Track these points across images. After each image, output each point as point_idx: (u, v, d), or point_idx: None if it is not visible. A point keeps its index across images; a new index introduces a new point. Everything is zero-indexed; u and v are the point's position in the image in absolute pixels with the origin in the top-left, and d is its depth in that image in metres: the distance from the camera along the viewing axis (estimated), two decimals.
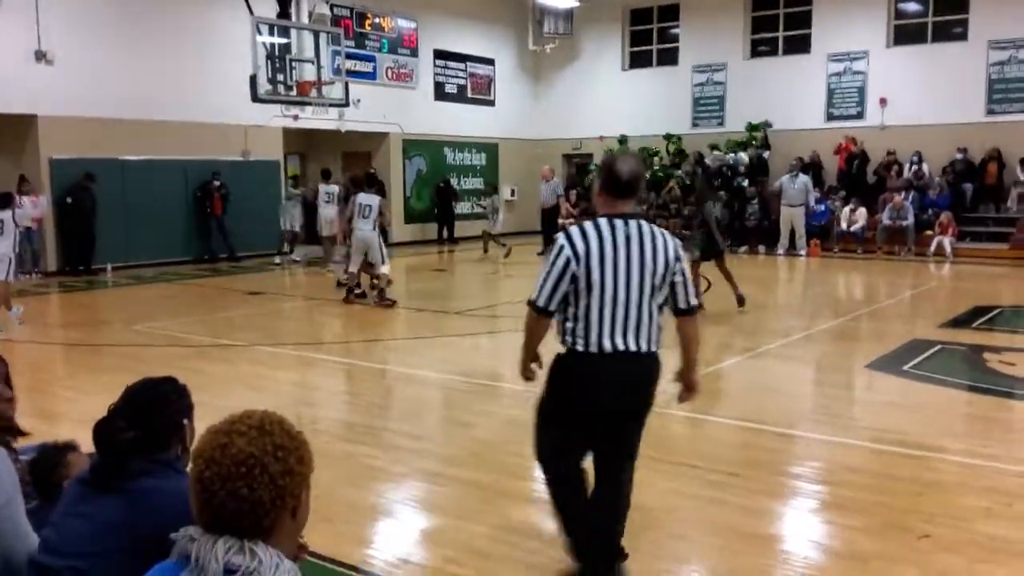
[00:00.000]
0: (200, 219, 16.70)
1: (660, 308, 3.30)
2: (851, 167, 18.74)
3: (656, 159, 20.86)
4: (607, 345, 3.20)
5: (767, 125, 19.88)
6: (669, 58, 21.95)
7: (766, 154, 19.79)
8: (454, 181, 21.33)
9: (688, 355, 3.47)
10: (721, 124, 20.92)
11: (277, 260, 17.03)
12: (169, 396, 2.29)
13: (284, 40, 17.16)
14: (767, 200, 18.62)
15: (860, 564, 3.74)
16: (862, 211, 17.81)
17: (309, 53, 17.39)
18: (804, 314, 11.25)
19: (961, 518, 4.19)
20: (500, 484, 4.75)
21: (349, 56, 18.32)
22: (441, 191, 20.93)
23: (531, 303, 3.31)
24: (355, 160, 20.29)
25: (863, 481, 4.81)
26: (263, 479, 1.52)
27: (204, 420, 1.72)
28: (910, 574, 3.61)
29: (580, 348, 3.24)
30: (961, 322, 9.72)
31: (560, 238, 3.28)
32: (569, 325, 3.27)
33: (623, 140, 21.70)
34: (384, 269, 11.01)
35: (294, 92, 17.13)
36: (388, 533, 4.26)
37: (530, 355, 3.50)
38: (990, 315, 10.33)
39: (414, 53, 20.66)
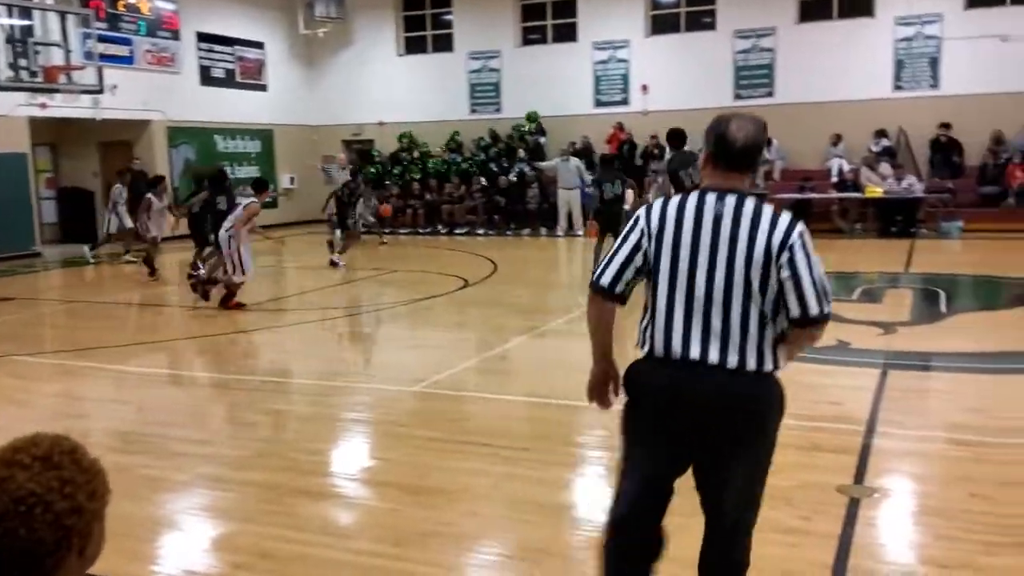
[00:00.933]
0: None
1: (770, 314, 2.51)
2: (621, 152, 19.82)
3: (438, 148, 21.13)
4: (676, 350, 2.50)
5: (536, 117, 20.61)
6: (444, 44, 22.12)
7: (542, 140, 20.53)
8: (227, 170, 20.36)
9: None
10: (498, 111, 21.39)
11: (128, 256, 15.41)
12: None
13: (26, 22, 15.66)
14: (545, 184, 19.30)
15: None
16: (630, 193, 18.85)
17: (56, 36, 15.97)
18: (584, 291, 11.73)
19: None
20: (290, 483, 4.61)
21: (102, 39, 16.96)
22: (211, 181, 19.87)
23: (591, 283, 2.67)
24: (114, 150, 18.90)
25: None
26: (45, 519, 1.34)
27: None
28: (682, 523, 3.87)
29: (645, 352, 2.59)
30: None
31: (641, 210, 2.66)
32: (642, 325, 2.61)
33: (408, 136, 21.67)
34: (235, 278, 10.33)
35: (40, 78, 15.68)
36: (171, 545, 4.02)
37: (599, 357, 2.74)
38: None
39: (175, 36, 19.47)
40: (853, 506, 4.04)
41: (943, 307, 9.27)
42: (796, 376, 6.59)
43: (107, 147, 19.08)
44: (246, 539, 3.91)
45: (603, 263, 2.65)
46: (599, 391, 2.79)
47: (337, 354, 8.30)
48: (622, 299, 2.65)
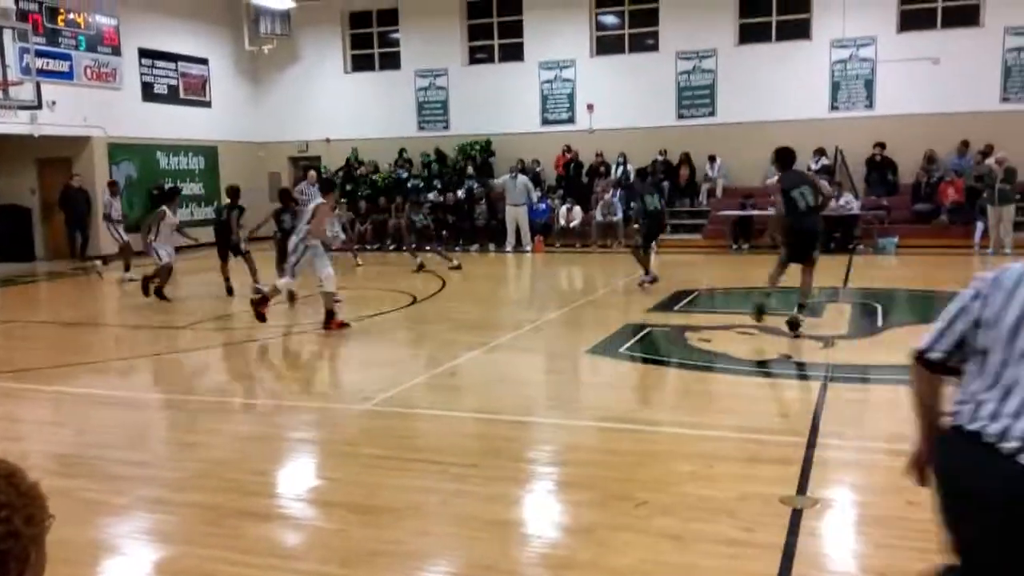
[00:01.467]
0: None
1: None
2: (568, 170, 20.08)
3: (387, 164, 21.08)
4: (999, 427, 2.07)
5: (486, 143, 20.69)
6: (392, 62, 22.12)
7: (491, 158, 20.66)
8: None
9: None
10: (446, 128, 21.45)
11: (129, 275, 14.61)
12: None
13: None
14: (493, 201, 19.39)
15: (586, 535, 4.00)
16: (577, 209, 19.08)
17: None
18: (532, 307, 11.84)
19: (672, 483, 4.62)
20: (233, 503, 4.54)
21: (40, 54, 16.64)
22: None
23: (915, 350, 2.35)
24: (53, 167, 18.50)
25: (588, 458, 5.16)
26: None
27: None
28: (628, 538, 3.93)
29: (961, 425, 2.18)
30: (665, 306, 10.70)
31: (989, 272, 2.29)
32: (959, 395, 2.24)
33: (354, 156, 21.55)
34: (280, 281, 9.86)
35: None
36: (112, 570, 3.93)
37: (924, 435, 2.37)
38: (689, 298, 11.47)
39: (116, 51, 19.15)
40: (796, 516, 4.11)
41: (880, 321, 9.52)
42: (739, 389, 6.76)
43: (45, 164, 18.68)
44: (189, 562, 3.84)
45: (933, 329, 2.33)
46: (912, 469, 2.53)
47: (283, 372, 8.21)
48: (942, 368, 2.29)
